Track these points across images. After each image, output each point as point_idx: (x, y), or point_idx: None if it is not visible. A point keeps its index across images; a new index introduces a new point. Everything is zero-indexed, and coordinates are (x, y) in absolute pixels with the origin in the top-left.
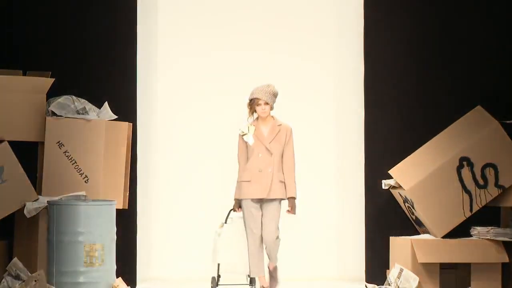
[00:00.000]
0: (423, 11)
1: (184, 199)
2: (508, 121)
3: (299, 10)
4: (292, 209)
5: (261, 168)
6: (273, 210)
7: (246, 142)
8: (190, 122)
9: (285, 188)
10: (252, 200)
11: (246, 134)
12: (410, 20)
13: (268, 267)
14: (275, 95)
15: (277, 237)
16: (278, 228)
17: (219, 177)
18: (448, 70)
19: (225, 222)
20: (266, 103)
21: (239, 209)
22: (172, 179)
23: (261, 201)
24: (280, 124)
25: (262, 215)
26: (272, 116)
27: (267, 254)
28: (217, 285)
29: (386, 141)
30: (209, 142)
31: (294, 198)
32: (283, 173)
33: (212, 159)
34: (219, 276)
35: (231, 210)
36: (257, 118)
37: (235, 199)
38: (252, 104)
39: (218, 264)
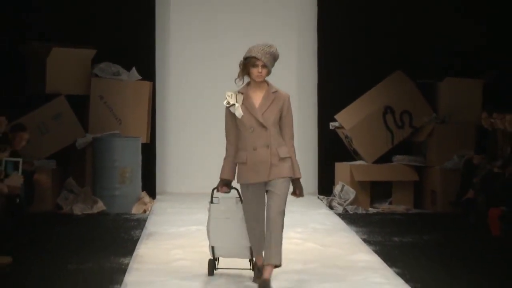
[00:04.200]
0: None
1: (191, 137)
2: (420, 81)
3: None
4: (299, 191)
5: (256, 145)
6: (279, 188)
7: (233, 114)
8: (197, 83)
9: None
10: (251, 185)
11: (232, 104)
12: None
13: (263, 267)
14: (275, 58)
15: (281, 214)
16: (283, 207)
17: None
18: (380, 42)
19: (211, 202)
20: (264, 66)
21: (223, 188)
22: (181, 122)
23: (262, 184)
24: (276, 91)
25: (266, 197)
26: (266, 82)
27: (266, 246)
28: (215, 268)
29: (334, 94)
30: (213, 98)
31: (298, 178)
32: (286, 147)
33: (214, 108)
34: (216, 259)
35: (214, 189)
36: (248, 83)
37: (221, 179)
38: (247, 64)
39: (213, 247)
